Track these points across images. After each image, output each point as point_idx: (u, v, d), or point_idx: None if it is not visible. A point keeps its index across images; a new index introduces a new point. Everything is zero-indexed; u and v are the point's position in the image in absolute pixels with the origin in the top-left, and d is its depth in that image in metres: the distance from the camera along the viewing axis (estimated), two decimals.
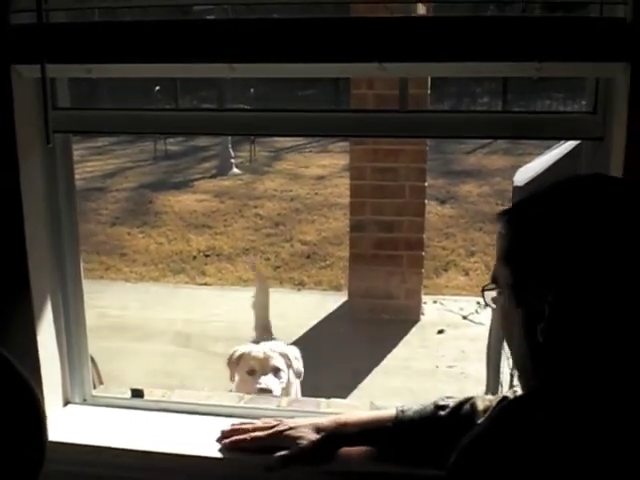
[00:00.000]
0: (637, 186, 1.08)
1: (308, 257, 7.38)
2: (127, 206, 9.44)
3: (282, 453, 1.50)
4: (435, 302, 5.58)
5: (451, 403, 1.47)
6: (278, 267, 7.11)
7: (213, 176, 11.10)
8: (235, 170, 11.26)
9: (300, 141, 14.43)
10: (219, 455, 1.63)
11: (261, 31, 1.44)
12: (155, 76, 1.47)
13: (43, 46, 1.46)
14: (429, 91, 4.91)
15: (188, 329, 5.19)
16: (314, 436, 1.50)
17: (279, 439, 1.54)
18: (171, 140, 13.48)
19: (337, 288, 6.15)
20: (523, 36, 1.38)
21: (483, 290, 1.13)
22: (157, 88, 12.82)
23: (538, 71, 1.40)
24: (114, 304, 5.70)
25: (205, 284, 6.60)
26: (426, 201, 5.33)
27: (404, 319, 5.04)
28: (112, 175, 11.24)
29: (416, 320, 5.14)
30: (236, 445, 1.60)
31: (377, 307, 5.12)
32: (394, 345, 4.80)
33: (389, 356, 4.66)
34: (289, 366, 3.23)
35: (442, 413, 1.45)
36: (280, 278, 6.80)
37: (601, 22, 1.41)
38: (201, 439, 1.71)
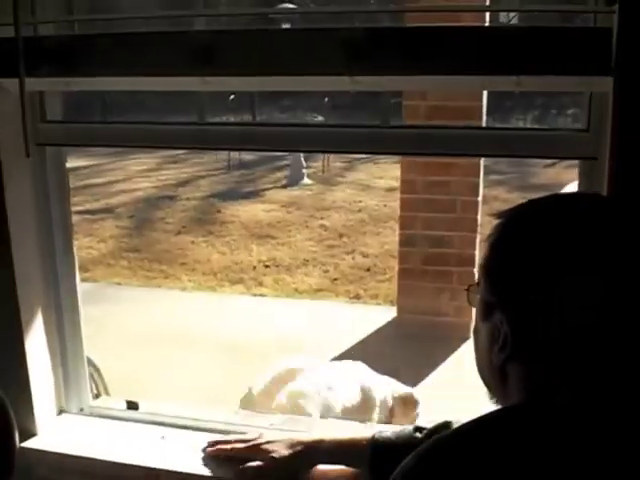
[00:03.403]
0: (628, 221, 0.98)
1: (368, 270, 7.32)
2: (195, 215, 9.58)
3: (254, 463, 1.53)
4: None
5: (430, 425, 1.43)
6: (335, 279, 7.07)
7: (284, 186, 11.15)
8: (306, 180, 11.30)
9: None
10: (203, 472, 1.62)
11: (234, 43, 1.42)
12: (132, 89, 1.48)
13: (19, 59, 1.48)
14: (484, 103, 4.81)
15: (237, 339, 5.20)
16: (288, 450, 1.52)
17: (257, 452, 1.56)
18: None
19: (392, 302, 6.07)
20: (501, 48, 1.31)
21: (467, 290, 1.09)
22: (231, 97, 13.00)
23: (518, 85, 1.33)
24: (166, 313, 5.78)
25: (261, 295, 6.62)
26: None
27: (453, 336, 4.91)
28: (184, 184, 11.43)
29: (466, 337, 5.01)
30: (217, 454, 1.64)
31: (426, 323, 5.02)
32: (442, 362, 4.70)
33: (434, 374, 4.57)
34: None
35: (419, 435, 1.42)
36: (336, 291, 6.76)
37: (583, 33, 1.32)
38: (189, 454, 1.70)
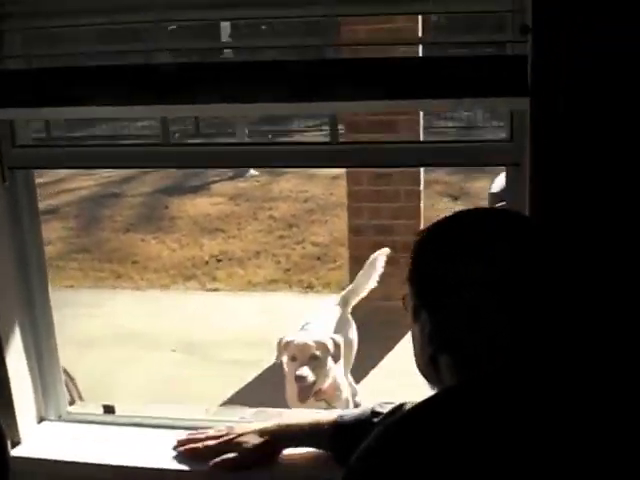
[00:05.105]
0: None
1: (318, 259, 7.47)
2: (142, 212, 9.57)
3: (231, 455, 1.64)
4: None
5: (385, 410, 1.56)
6: (288, 270, 7.21)
7: (231, 178, 11.16)
8: (252, 171, 11.33)
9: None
10: (183, 468, 1.72)
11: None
12: (101, 117, 1.62)
13: None
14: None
15: (194, 336, 5.30)
16: (258, 440, 1.64)
17: (228, 446, 1.66)
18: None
19: (344, 290, 6.23)
20: (439, 75, 1.49)
21: (403, 299, 1.24)
22: None
23: (459, 105, 1.51)
24: (121, 313, 5.83)
25: (215, 290, 6.71)
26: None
27: (402, 321, 5.06)
28: (130, 180, 11.35)
29: None
30: (190, 453, 1.72)
31: (376, 309, 5.18)
32: (393, 346, 4.89)
33: (388, 356, 4.77)
34: (328, 353, 3.72)
35: (375, 420, 1.54)
36: (290, 281, 6.90)
37: (504, 60, 1.50)
38: (165, 452, 1.81)
